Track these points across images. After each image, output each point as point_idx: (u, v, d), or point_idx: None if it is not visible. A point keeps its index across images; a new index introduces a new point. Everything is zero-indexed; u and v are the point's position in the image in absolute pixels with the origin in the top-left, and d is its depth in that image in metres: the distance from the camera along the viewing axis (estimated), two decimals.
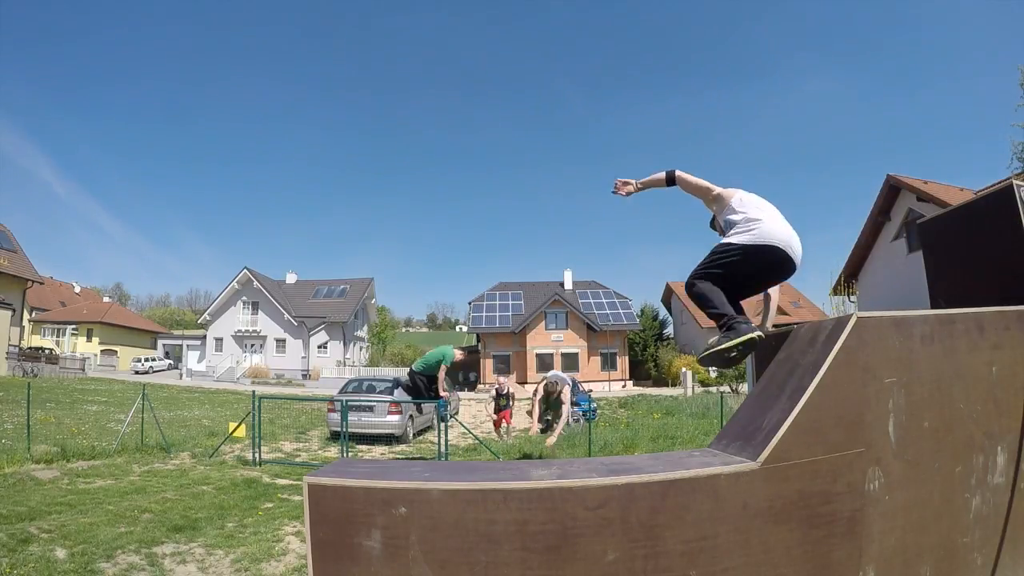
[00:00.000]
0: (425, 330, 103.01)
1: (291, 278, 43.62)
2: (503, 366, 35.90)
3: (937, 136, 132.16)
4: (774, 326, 2.57)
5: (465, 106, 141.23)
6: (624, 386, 34.56)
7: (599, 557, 1.52)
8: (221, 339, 38.33)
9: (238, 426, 8.85)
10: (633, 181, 2.70)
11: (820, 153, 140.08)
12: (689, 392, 23.77)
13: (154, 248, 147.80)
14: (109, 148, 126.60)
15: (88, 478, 6.70)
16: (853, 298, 20.17)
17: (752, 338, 2.13)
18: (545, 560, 1.51)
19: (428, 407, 12.11)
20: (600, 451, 8.89)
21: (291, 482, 6.90)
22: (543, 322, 36.16)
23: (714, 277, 2.29)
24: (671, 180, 2.63)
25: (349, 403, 9.45)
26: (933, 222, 3.59)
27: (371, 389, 12.68)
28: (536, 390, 7.91)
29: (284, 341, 37.87)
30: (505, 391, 10.39)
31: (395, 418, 11.07)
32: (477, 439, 9.52)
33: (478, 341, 37.79)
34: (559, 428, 7.63)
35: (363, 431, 10.33)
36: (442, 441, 8.06)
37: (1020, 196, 2.63)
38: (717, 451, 1.83)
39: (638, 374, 37.77)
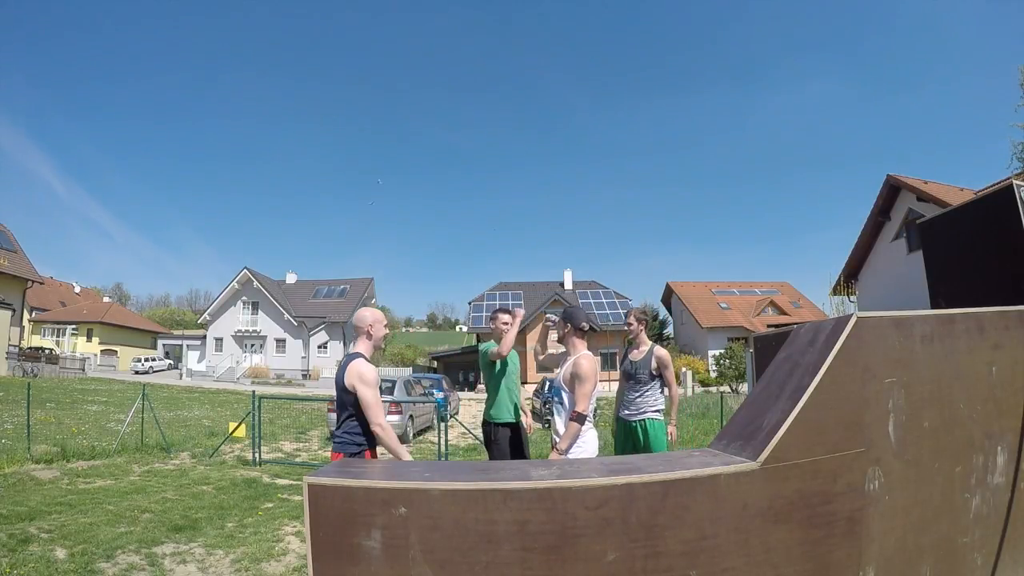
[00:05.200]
0: (425, 330, 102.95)
1: (291, 278, 43.61)
2: None
3: (937, 136, 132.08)
4: (774, 326, 2.60)
5: (465, 106, 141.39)
6: None
7: (599, 557, 1.52)
8: (221, 339, 38.32)
9: (238, 426, 8.85)
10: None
11: (820, 153, 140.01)
12: (689, 392, 23.78)
13: (154, 248, 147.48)
14: (109, 148, 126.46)
15: (88, 478, 6.70)
16: (853, 298, 20.19)
17: None
18: (545, 560, 1.51)
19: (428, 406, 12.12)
20: (600, 451, 8.88)
21: (291, 482, 6.90)
22: (543, 322, 36.10)
23: None
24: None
25: None
26: (933, 222, 3.59)
27: None
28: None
29: (284, 341, 37.87)
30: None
31: (395, 418, 11.08)
32: (477, 439, 9.53)
33: (478, 341, 37.78)
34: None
35: None
36: (442, 441, 8.06)
37: (1020, 196, 2.64)
38: (717, 451, 1.83)
39: None
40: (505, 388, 4.38)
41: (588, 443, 3.02)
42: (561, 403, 3.11)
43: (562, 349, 3.35)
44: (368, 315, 3.09)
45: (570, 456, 2.94)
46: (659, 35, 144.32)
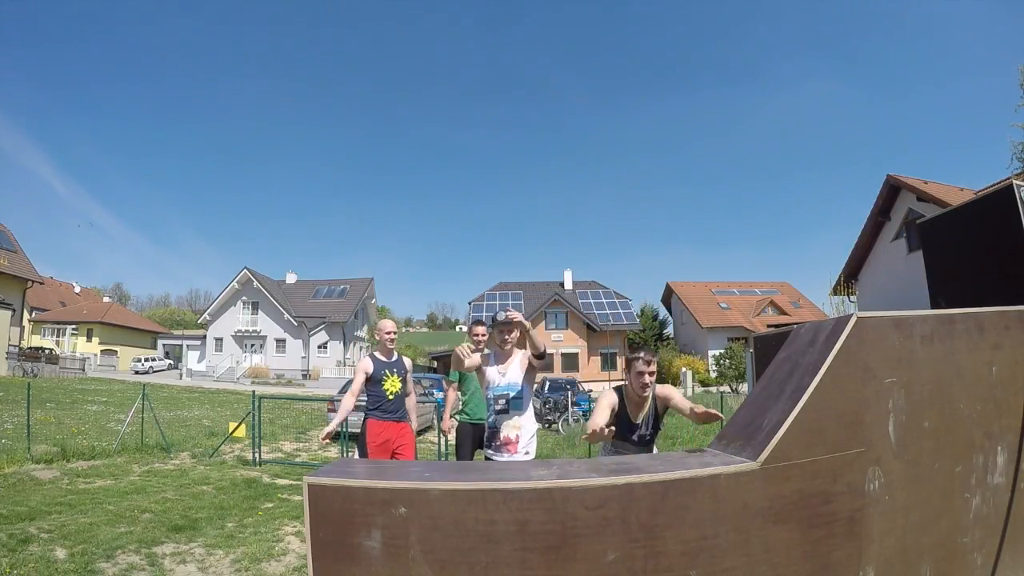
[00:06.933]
0: (425, 330, 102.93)
1: (291, 278, 43.60)
2: None
3: (937, 136, 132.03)
4: (775, 326, 2.59)
5: (465, 106, 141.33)
6: None
7: (599, 557, 1.52)
8: (221, 339, 38.31)
9: (238, 426, 8.85)
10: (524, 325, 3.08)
11: (820, 153, 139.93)
12: (689, 392, 23.79)
13: (154, 248, 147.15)
14: (109, 148, 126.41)
15: (88, 478, 6.70)
16: (853, 298, 20.19)
17: None
18: (545, 560, 1.51)
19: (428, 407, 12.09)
20: (600, 451, 8.88)
21: (291, 482, 6.90)
22: (543, 322, 36.12)
23: None
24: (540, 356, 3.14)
25: None
26: (933, 222, 3.60)
27: None
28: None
29: (284, 341, 37.86)
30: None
31: None
32: None
33: None
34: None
35: None
36: (442, 441, 8.05)
37: (1020, 196, 2.64)
38: (717, 451, 1.83)
39: None
40: (477, 391, 4.49)
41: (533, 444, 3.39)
42: (520, 398, 3.24)
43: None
44: (378, 324, 4.34)
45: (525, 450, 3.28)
46: (659, 35, 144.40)
